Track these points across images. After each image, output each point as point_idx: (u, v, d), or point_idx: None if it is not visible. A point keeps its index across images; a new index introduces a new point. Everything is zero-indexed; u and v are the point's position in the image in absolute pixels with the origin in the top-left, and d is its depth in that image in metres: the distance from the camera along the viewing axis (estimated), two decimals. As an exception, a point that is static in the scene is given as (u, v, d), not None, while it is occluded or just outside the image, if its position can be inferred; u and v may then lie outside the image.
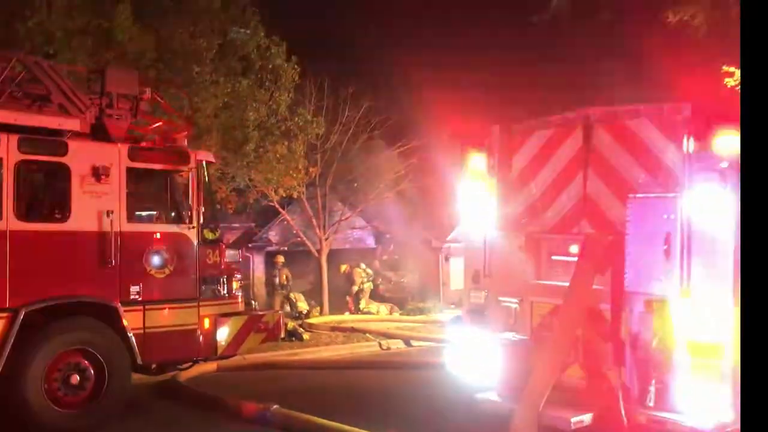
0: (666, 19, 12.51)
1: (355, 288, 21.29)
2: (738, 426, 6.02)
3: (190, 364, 9.77)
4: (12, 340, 7.68)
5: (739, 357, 6.06)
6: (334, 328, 16.86)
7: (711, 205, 6.16)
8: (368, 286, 21.48)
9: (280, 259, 20.45)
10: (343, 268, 21.73)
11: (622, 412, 6.46)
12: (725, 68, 11.95)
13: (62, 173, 8.27)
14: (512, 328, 7.58)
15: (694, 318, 6.29)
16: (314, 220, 20.99)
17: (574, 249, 7.15)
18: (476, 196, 8.08)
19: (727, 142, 6.17)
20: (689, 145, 6.34)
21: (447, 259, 24.94)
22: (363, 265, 22.02)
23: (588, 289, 6.79)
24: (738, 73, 11.89)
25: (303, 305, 19.77)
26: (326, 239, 21.23)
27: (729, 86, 12.02)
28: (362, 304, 20.99)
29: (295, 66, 16.00)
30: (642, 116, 6.73)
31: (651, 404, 6.41)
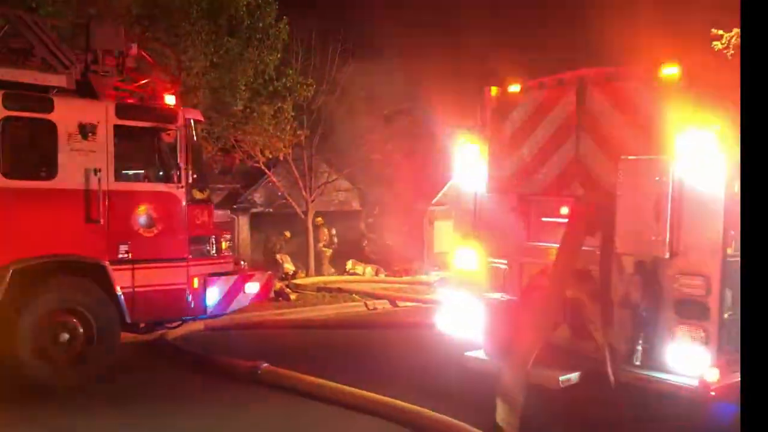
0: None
1: (320, 245, 21.28)
2: (722, 385, 6.18)
3: (179, 323, 9.80)
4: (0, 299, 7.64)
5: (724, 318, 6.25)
6: (320, 289, 16.92)
7: (702, 168, 6.20)
8: (327, 251, 21.16)
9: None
10: (319, 220, 21.71)
11: (609, 371, 6.58)
12: (714, 31, 11.94)
13: (48, 130, 8.14)
14: (502, 289, 7.66)
15: (681, 280, 6.38)
16: (300, 182, 20.92)
17: (565, 210, 7.21)
18: (469, 158, 8.09)
19: (719, 105, 6.19)
20: (681, 107, 6.35)
21: (431, 222, 25.04)
22: (333, 231, 21.87)
23: (578, 250, 6.85)
24: (726, 36, 11.90)
25: (289, 266, 19.82)
26: (312, 201, 21.20)
27: (717, 49, 12.02)
28: (348, 265, 21.03)
29: (287, 25, 15.77)
30: (635, 78, 6.74)
31: (637, 363, 6.54)
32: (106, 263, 8.35)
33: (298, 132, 18.17)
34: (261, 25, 15.54)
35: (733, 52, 11.44)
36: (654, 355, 6.52)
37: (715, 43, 11.68)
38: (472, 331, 7.75)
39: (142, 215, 8.68)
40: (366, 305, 15.20)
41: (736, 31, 11.38)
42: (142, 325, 9.18)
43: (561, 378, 6.71)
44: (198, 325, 11.28)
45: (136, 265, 8.60)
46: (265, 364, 8.59)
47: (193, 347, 10.13)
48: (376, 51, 19.15)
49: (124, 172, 8.84)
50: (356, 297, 15.95)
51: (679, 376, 6.30)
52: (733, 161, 6.21)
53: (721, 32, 11.62)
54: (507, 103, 7.72)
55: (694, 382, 6.16)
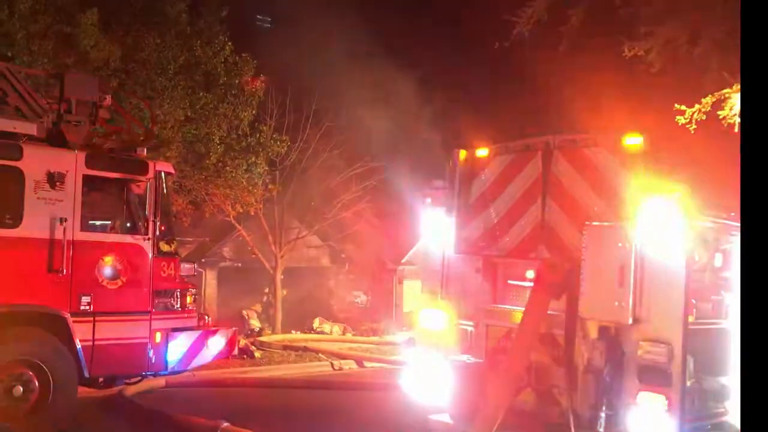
0: (622, 53, 12.83)
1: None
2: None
3: (139, 378, 9.56)
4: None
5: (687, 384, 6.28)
6: (286, 347, 16.71)
7: (663, 236, 6.32)
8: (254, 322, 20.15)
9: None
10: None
11: (573, 436, 6.54)
12: (677, 106, 12.31)
13: (16, 178, 8.05)
14: (467, 351, 7.63)
15: (644, 347, 6.42)
16: (270, 237, 20.85)
17: (531, 274, 7.25)
18: (437, 219, 8.16)
19: (681, 175, 6.38)
20: (645, 176, 6.51)
21: (401, 281, 25.04)
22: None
23: (543, 314, 6.88)
24: (689, 111, 12.28)
25: (255, 323, 19.55)
26: (282, 257, 21.11)
27: (680, 124, 12.37)
28: (315, 324, 20.85)
29: (263, 83, 16.02)
30: (600, 146, 6.91)
31: (601, 429, 6.49)
32: (67, 315, 8.16)
33: (270, 186, 18.23)
34: (237, 81, 15.76)
35: (695, 126, 11.79)
36: (618, 422, 6.49)
37: (678, 117, 12.03)
38: (437, 393, 7.68)
39: (106, 266, 8.55)
40: (332, 365, 15.02)
41: (698, 107, 11.76)
42: (101, 379, 8.95)
43: (525, 443, 6.64)
44: (159, 381, 11.01)
45: (97, 318, 8.42)
46: (226, 424, 8.39)
47: (152, 404, 9.86)
48: (350, 110, 19.46)
49: (90, 222, 8.75)
50: (322, 356, 15.76)
51: (641, 444, 6.28)
52: (693, 229, 6.37)
53: (684, 107, 11.99)
54: (475, 166, 7.85)
55: (657, 450, 6.14)
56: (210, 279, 24.38)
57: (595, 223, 6.68)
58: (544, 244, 7.16)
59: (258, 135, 16.85)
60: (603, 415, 6.53)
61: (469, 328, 7.74)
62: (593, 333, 6.70)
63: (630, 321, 6.42)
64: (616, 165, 6.72)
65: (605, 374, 6.55)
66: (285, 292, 21.32)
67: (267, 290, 20.65)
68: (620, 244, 6.49)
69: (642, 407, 6.35)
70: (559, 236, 7.06)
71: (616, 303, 6.48)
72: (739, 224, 6.95)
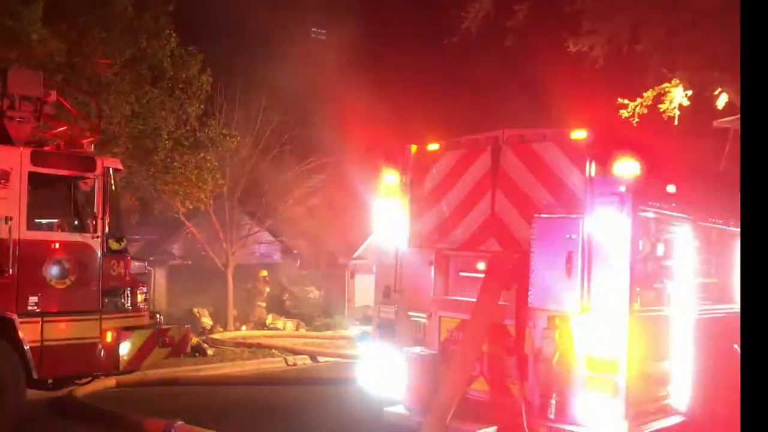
0: (567, 48, 13.12)
1: (259, 301, 21.22)
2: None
3: (90, 379, 9.41)
4: None
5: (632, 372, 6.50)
6: (238, 344, 16.60)
7: (609, 227, 6.53)
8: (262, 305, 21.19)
9: (264, 272, 21.17)
10: (264, 273, 21.73)
11: (525, 424, 6.71)
12: (620, 100, 12.66)
13: (-43, 176, 7.86)
14: (421, 343, 7.75)
15: (592, 334, 6.62)
16: (221, 234, 20.66)
17: (482, 266, 7.41)
18: (389, 213, 8.24)
19: (625, 168, 6.58)
20: (591, 169, 6.71)
21: (352, 275, 25.11)
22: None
23: (494, 305, 7.04)
24: (631, 105, 12.65)
25: (207, 320, 19.38)
26: (233, 253, 20.94)
27: (623, 117, 12.73)
28: (268, 320, 20.78)
29: (210, 77, 15.86)
30: (547, 140, 7.08)
31: (552, 417, 6.69)
32: (14, 316, 7.99)
33: (220, 182, 18.06)
34: (184, 75, 15.56)
35: (638, 119, 12.17)
36: (567, 409, 6.69)
37: (621, 111, 12.38)
38: (392, 385, 7.78)
39: (54, 266, 8.39)
40: (286, 361, 15.01)
41: (640, 101, 12.13)
42: (50, 381, 8.77)
43: (478, 432, 6.79)
44: (110, 381, 10.85)
45: (45, 318, 8.26)
46: (180, 422, 8.33)
47: (104, 405, 9.71)
48: (300, 105, 19.42)
49: (37, 220, 8.57)
50: (276, 352, 15.71)
51: (591, 430, 6.48)
52: (637, 220, 6.59)
53: (626, 101, 12.34)
54: (427, 160, 7.96)
55: (605, 435, 6.35)
56: (159, 278, 24.02)
57: (543, 216, 6.86)
58: (494, 236, 7.31)
59: (207, 130, 16.68)
60: (553, 402, 6.72)
61: (422, 320, 7.86)
62: (543, 322, 6.89)
63: (578, 310, 6.63)
64: (564, 159, 6.90)
65: (555, 362, 6.74)
66: (268, 289, 21.39)
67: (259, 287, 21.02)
68: (568, 236, 6.68)
69: (590, 394, 6.57)
70: (508, 229, 7.22)
71: (565, 293, 6.68)
72: (680, 214, 7.28)
